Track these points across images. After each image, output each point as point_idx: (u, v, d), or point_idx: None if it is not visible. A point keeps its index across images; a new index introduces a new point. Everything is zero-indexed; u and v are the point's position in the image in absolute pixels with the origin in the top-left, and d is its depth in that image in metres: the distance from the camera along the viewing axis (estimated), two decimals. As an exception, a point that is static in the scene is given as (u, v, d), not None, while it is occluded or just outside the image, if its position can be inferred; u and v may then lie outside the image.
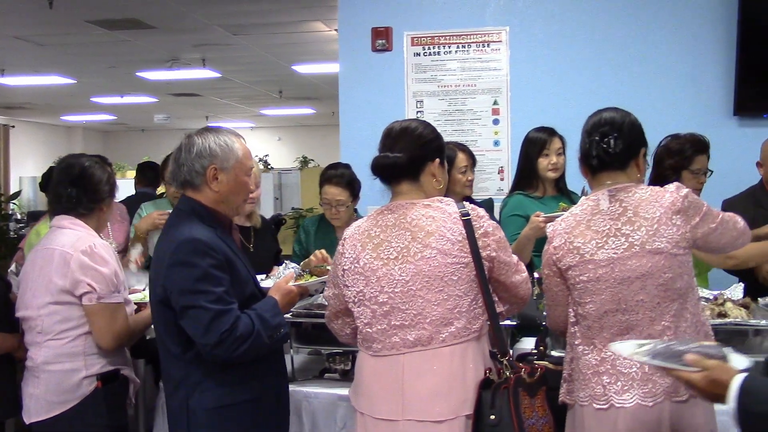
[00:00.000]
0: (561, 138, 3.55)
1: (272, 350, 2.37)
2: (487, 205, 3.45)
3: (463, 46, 4.62)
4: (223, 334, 2.14)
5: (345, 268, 2.25)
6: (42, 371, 2.57)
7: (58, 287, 2.55)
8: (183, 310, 2.19)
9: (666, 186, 2.24)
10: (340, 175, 3.59)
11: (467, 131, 4.56)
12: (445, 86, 4.65)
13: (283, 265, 2.78)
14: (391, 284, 2.16)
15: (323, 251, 2.91)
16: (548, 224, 2.36)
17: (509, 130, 4.59)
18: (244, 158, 2.36)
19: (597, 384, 2.17)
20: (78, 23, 7.37)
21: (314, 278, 2.67)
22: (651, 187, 2.26)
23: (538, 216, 3.28)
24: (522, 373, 2.18)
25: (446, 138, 4.51)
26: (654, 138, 4.37)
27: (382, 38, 4.67)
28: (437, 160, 2.29)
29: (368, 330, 2.21)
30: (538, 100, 4.57)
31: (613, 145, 2.24)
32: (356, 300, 2.23)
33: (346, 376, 2.88)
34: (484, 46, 4.61)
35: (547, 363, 2.39)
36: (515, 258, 2.31)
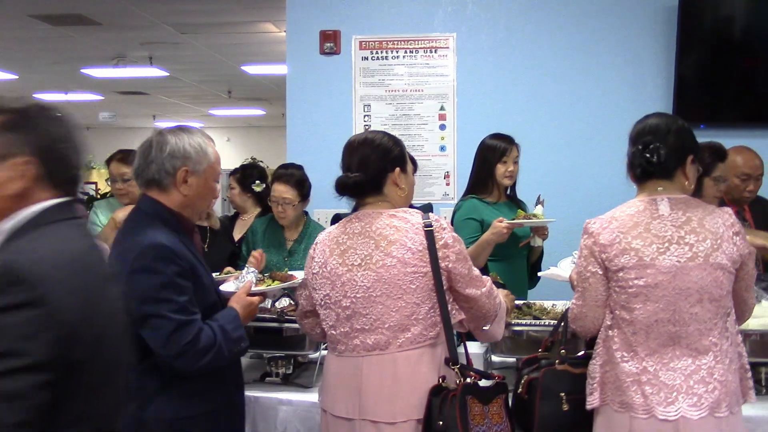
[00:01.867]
0: (517, 146, 3.60)
1: (231, 361, 2.32)
2: (425, 209, 3.49)
3: (411, 52, 4.66)
4: (185, 346, 2.08)
5: (314, 271, 2.32)
6: None
7: None
8: (144, 319, 2.09)
9: (723, 207, 2.27)
10: (289, 174, 3.59)
11: (414, 136, 4.59)
12: (392, 91, 4.68)
13: (245, 269, 2.76)
14: (354, 289, 2.23)
15: (260, 251, 2.92)
16: (591, 220, 2.29)
17: (455, 136, 4.64)
18: (215, 163, 2.31)
19: (636, 393, 2.15)
20: (21, 17, 7.19)
21: (276, 283, 2.67)
22: (709, 204, 2.29)
23: (501, 221, 3.35)
24: (470, 380, 2.21)
25: (393, 142, 4.59)
26: (596, 146, 4.51)
27: (330, 41, 4.67)
28: (397, 169, 2.34)
29: (333, 332, 2.30)
30: (484, 107, 4.63)
31: (656, 155, 2.22)
32: (322, 303, 2.31)
33: (287, 380, 2.89)
34: (431, 52, 4.65)
35: (567, 366, 2.36)
36: (476, 272, 2.34)
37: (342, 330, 2.26)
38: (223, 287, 2.54)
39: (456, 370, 2.22)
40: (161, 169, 2.22)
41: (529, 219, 3.42)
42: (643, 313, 2.15)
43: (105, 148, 14.59)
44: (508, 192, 3.70)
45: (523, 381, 2.39)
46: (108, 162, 3.93)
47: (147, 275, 2.10)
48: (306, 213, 3.74)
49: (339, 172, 5.03)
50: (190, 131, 2.28)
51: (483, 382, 2.25)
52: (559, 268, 2.95)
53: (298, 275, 2.74)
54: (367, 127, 4.67)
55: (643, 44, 4.54)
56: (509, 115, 4.58)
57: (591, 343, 2.36)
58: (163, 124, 16.33)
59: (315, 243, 2.37)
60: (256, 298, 2.45)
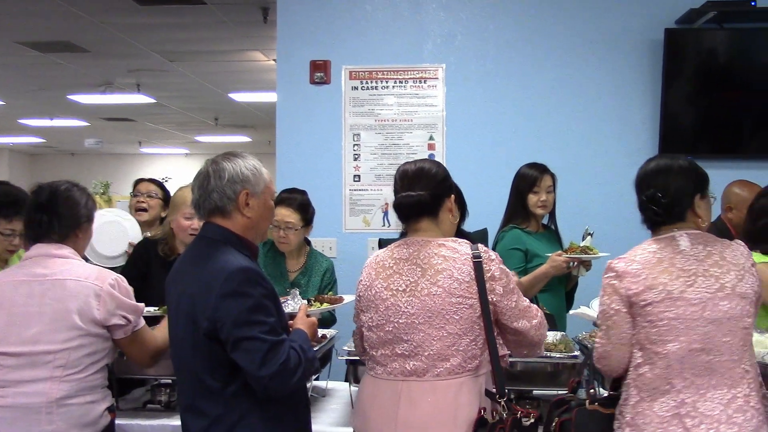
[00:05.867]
0: (552, 176, 3.62)
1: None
2: (481, 235, 3.50)
3: (401, 82, 4.70)
4: (280, 366, 2.08)
5: (360, 294, 2.38)
6: (59, 406, 2.43)
7: (88, 319, 2.44)
8: (237, 342, 2.09)
9: (736, 241, 2.31)
10: (292, 198, 3.51)
11: (403, 165, 4.60)
12: (382, 120, 4.71)
13: (291, 294, 2.79)
14: (397, 315, 2.26)
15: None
16: (617, 259, 2.29)
17: (445, 166, 4.65)
18: (271, 183, 2.35)
19: (678, 427, 2.13)
20: (7, 44, 7.20)
21: (326, 305, 2.86)
22: (723, 239, 2.30)
23: (560, 255, 3.42)
24: (518, 416, 2.22)
25: (382, 172, 4.62)
26: (584, 177, 4.54)
27: (320, 71, 4.70)
28: (452, 196, 2.42)
29: (374, 353, 2.32)
30: (473, 136, 4.67)
31: (661, 206, 2.26)
32: (367, 325, 2.34)
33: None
34: (421, 82, 4.69)
35: (597, 407, 2.33)
36: (525, 303, 2.34)
37: (383, 352, 2.28)
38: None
39: (503, 403, 2.23)
40: (223, 196, 2.24)
41: (586, 253, 3.46)
42: (677, 345, 2.15)
43: (91, 174, 14.49)
44: (547, 222, 3.73)
45: (554, 423, 2.35)
46: (137, 182, 4.25)
47: (237, 299, 2.10)
48: (308, 242, 3.66)
49: (330, 202, 5.05)
50: (241, 155, 2.32)
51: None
52: (590, 308, 2.96)
53: (346, 297, 2.93)
54: (356, 156, 4.69)
55: (629, 77, 4.61)
56: (498, 145, 4.62)
57: (615, 384, 2.34)
58: (149, 150, 16.38)
59: (364, 266, 2.40)
60: (315, 319, 2.49)
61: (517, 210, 3.63)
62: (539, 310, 2.39)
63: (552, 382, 2.75)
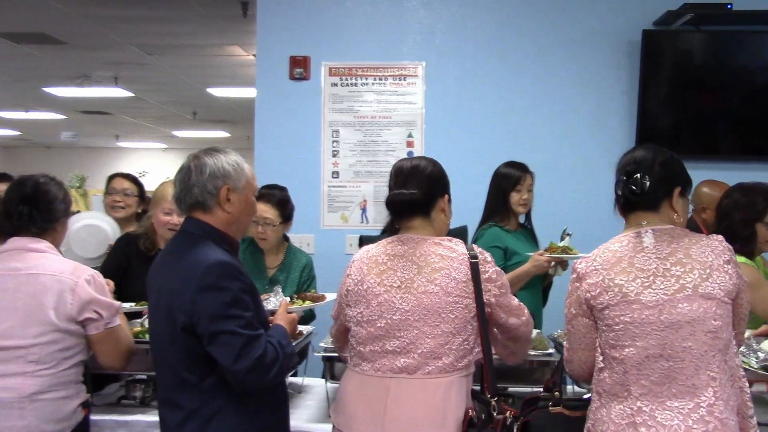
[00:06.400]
0: (532, 174, 3.66)
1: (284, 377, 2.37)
2: (461, 232, 3.52)
3: (380, 79, 4.70)
4: (256, 360, 2.09)
5: (348, 288, 2.34)
6: (31, 401, 2.41)
7: (61, 315, 2.42)
8: (213, 336, 2.10)
9: (711, 236, 2.16)
10: (272, 194, 3.51)
11: (381, 162, 4.61)
12: (361, 117, 4.71)
13: (274, 292, 2.82)
14: (391, 311, 2.24)
15: None
16: (579, 260, 2.22)
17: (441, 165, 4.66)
18: (252, 178, 2.36)
19: None
20: (-18, 35, 7.11)
21: (307, 303, 2.85)
22: (696, 233, 2.17)
23: (542, 255, 3.47)
24: (508, 415, 2.23)
25: (361, 168, 4.62)
26: (561, 175, 4.58)
27: (300, 67, 4.69)
28: (446, 195, 2.41)
29: (361, 349, 2.29)
30: (452, 134, 4.68)
31: (639, 185, 2.15)
32: (356, 320, 2.31)
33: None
34: (400, 80, 4.70)
35: (562, 409, 2.28)
36: (516, 301, 2.38)
37: (372, 348, 2.26)
38: None
39: (494, 402, 2.24)
40: (204, 191, 2.25)
41: (566, 253, 3.50)
42: (633, 350, 2.04)
43: (66, 167, 14.33)
44: (524, 221, 3.76)
45: (518, 423, 2.29)
46: (111, 178, 4.12)
47: (214, 293, 2.11)
48: (287, 238, 3.65)
49: (308, 198, 5.04)
50: (223, 150, 2.32)
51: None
52: None
53: (329, 295, 2.91)
54: (335, 153, 4.69)
55: (607, 77, 4.65)
56: (476, 143, 4.64)
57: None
58: (127, 144, 16.21)
59: (351, 261, 2.38)
60: (296, 315, 2.50)
61: (498, 208, 3.66)
62: (525, 307, 2.42)
63: (526, 379, 2.77)
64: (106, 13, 6.37)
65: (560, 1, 4.67)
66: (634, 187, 2.17)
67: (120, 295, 2.95)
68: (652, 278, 2.07)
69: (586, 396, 2.31)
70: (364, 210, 4.69)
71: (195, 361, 2.16)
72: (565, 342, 2.29)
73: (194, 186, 2.25)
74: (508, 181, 3.63)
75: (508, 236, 3.61)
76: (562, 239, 3.57)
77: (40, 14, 6.41)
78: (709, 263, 2.07)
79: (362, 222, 4.69)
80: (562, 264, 3.58)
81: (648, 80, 4.54)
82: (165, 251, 2.36)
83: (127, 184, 4.05)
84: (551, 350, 2.85)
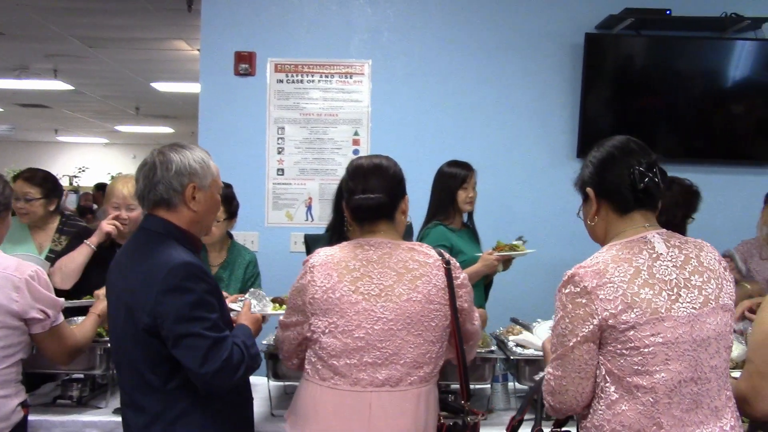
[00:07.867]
0: (475, 172, 3.70)
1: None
2: (407, 230, 3.53)
3: (327, 76, 4.68)
4: (223, 362, 2.04)
5: (315, 296, 2.16)
6: None
7: (5, 312, 2.34)
8: (178, 339, 2.03)
9: (701, 240, 1.94)
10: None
11: (328, 160, 4.60)
12: (307, 114, 4.68)
13: (254, 294, 2.74)
14: (371, 320, 2.12)
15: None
16: (579, 271, 1.83)
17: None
18: (218, 177, 2.30)
19: None
20: None
21: (283, 308, 2.62)
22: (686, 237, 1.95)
23: (491, 254, 3.50)
24: (479, 418, 2.24)
25: (306, 166, 4.60)
26: (505, 175, 4.63)
27: (245, 62, 4.64)
28: (406, 196, 2.33)
29: (334, 362, 2.15)
30: (398, 133, 4.69)
31: (660, 180, 1.87)
32: (326, 331, 2.16)
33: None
34: (347, 78, 4.69)
35: None
36: (473, 307, 2.35)
37: (348, 361, 2.13)
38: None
39: (467, 407, 2.24)
40: (169, 188, 2.18)
41: (514, 250, 3.55)
42: (666, 375, 1.75)
43: (2, 162, 13.92)
44: (466, 220, 3.79)
45: None
46: (14, 179, 3.80)
47: (178, 294, 2.05)
48: (230, 235, 3.60)
49: (252, 195, 4.98)
50: (189, 147, 2.26)
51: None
52: (532, 335, 2.88)
53: None
54: (280, 150, 4.65)
55: (551, 78, 4.71)
56: (422, 142, 4.66)
57: (562, 422, 2.01)
58: (66, 138, 15.86)
59: (311, 266, 2.20)
60: (260, 315, 2.45)
61: (443, 207, 3.68)
62: (476, 310, 2.42)
63: (469, 376, 2.79)
64: (46, 4, 6.21)
65: (506, 3, 4.71)
66: (658, 180, 1.87)
67: (76, 287, 2.91)
68: (676, 290, 1.79)
69: None
70: (309, 208, 4.66)
71: (158, 362, 2.10)
72: (550, 370, 1.89)
73: (159, 183, 2.19)
74: (455, 180, 3.65)
75: (453, 235, 3.64)
76: (516, 240, 3.64)
77: (-24, 3, 6.22)
78: (719, 271, 1.87)
79: (307, 220, 4.66)
80: (505, 262, 3.62)
81: (590, 82, 4.62)
82: (126, 249, 2.29)
83: (27, 188, 3.71)
84: (493, 347, 2.88)
